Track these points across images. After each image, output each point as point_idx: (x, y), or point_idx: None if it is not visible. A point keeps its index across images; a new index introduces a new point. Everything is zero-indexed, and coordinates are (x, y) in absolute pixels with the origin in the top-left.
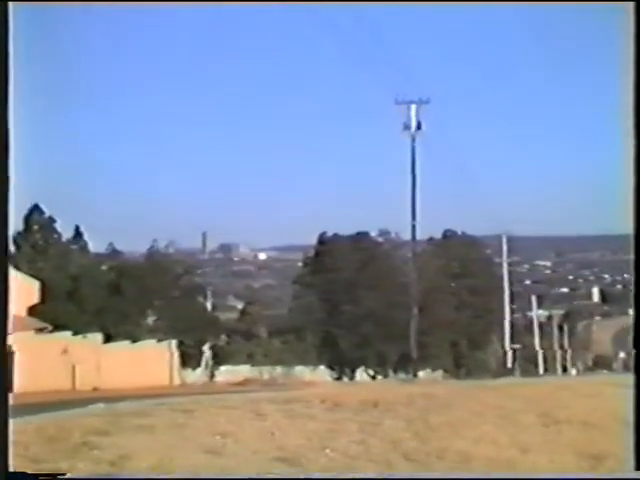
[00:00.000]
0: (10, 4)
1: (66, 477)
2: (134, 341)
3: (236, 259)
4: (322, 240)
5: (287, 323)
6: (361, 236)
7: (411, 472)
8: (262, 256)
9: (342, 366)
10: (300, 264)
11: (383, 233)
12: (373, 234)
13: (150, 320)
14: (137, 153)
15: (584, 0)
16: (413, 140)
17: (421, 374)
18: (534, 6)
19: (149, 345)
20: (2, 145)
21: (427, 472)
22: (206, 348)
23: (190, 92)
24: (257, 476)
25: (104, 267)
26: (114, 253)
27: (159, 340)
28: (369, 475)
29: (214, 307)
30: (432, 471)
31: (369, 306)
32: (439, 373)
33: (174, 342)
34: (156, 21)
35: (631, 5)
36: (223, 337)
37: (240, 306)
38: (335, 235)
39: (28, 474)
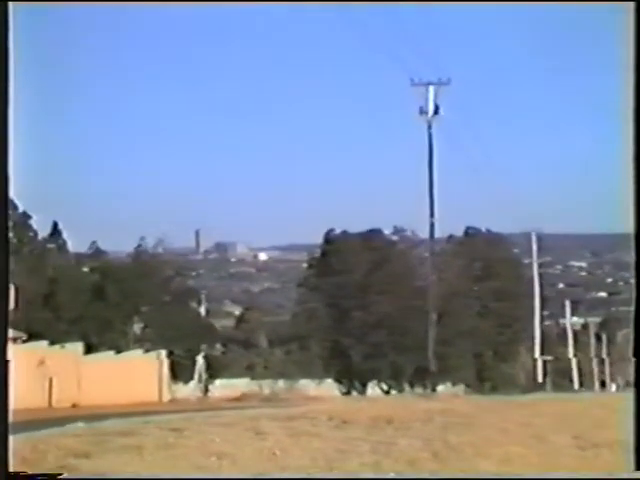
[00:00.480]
0: (10, 4)
1: (65, 477)
2: (119, 352)
3: (233, 260)
4: (329, 238)
5: (290, 331)
6: (373, 234)
7: (411, 472)
8: (262, 256)
9: (351, 379)
10: (304, 265)
11: (398, 230)
12: (386, 231)
13: (137, 328)
14: (127, 144)
15: (584, 0)
16: (430, 126)
17: (440, 389)
18: None
19: (136, 356)
20: (2, 145)
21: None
22: (199, 359)
23: (191, 80)
24: (257, 476)
25: (85, 268)
26: (97, 253)
27: (147, 350)
28: (369, 475)
29: (208, 313)
30: None
31: (382, 312)
32: (460, 388)
33: (164, 352)
34: (159, 11)
35: (631, 5)
36: (218, 347)
37: (238, 312)
38: (344, 233)
39: (27, 474)
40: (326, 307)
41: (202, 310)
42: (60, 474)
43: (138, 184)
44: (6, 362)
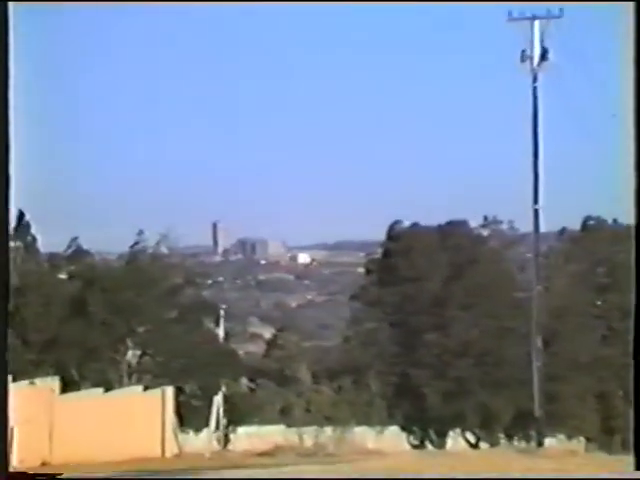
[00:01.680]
0: (10, 4)
1: (64, 477)
2: (108, 389)
3: (263, 262)
4: (394, 234)
5: (341, 361)
6: (454, 227)
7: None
8: (302, 258)
9: (425, 427)
10: (360, 270)
11: (489, 222)
12: (473, 223)
13: (132, 356)
14: (135, 118)
15: (585, 0)
16: (535, 78)
17: (550, 442)
18: None
19: (131, 395)
20: (2, 145)
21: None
22: (217, 399)
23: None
24: (257, 476)
25: (62, 275)
26: (78, 254)
27: (146, 387)
28: (370, 475)
29: (229, 336)
30: None
31: (466, 335)
32: (579, 441)
33: (169, 390)
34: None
35: (631, 5)
36: (243, 382)
37: (269, 334)
38: (414, 226)
39: (27, 474)
40: (390, 328)
41: (221, 332)
42: (60, 474)
43: (143, 167)
44: (6, 366)
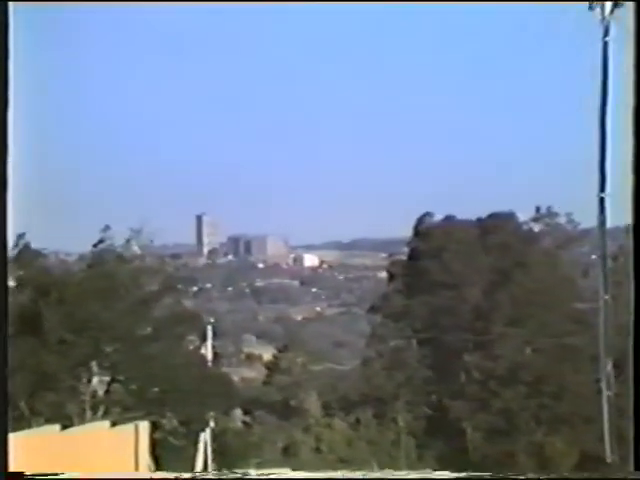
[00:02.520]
0: (10, 4)
1: (64, 477)
2: (66, 426)
3: (260, 265)
4: (423, 229)
5: (359, 388)
6: (499, 221)
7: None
8: (309, 260)
9: (466, 471)
10: (382, 275)
11: (542, 215)
12: (522, 217)
13: (98, 383)
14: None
15: (584, 0)
16: (607, 31)
17: None
18: None
19: (95, 432)
20: (2, 145)
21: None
22: (204, 436)
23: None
24: (258, 476)
25: (8, 281)
26: (26, 255)
27: (114, 423)
28: (372, 475)
29: (219, 357)
30: None
31: (516, 356)
32: None
33: (144, 425)
34: None
35: (631, 5)
36: (237, 415)
37: (268, 355)
38: (449, 220)
39: (27, 474)
40: (420, 347)
41: (208, 352)
42: (60, 474)
43: (120, 148)
44: (6, 362)
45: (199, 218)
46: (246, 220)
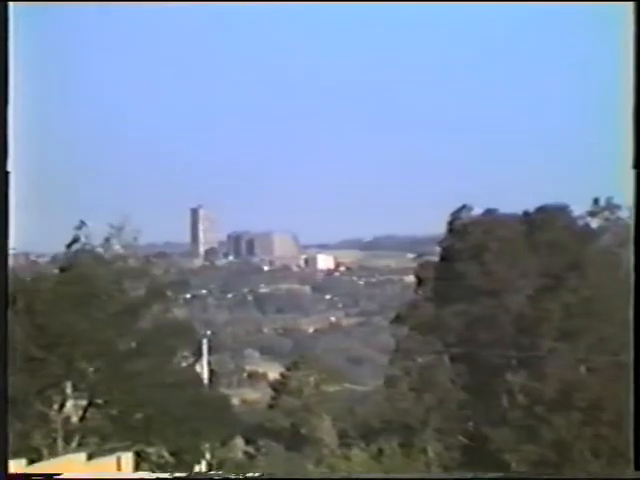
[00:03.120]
0: (10, 4)
1: (63, 477)
2: (33, 460)
3: (266, 267)
4: (459, 225)
5: (382, 413)
6: (550, 215)
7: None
8: (324, 261)
9: None
10: (409, 279)
11: (602, 209)
12: (577, 210)
13: (72, 408)
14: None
15: (584, 0)
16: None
17: None
18: None
19: (69, 465)
20: (2, 145)
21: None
22: (199, 470)
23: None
24: (257, 476)
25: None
26: None
27: (91, 455)
28: (370, 475)
29: (216, 376)
30: None
31: (567, 376)
32: None
33: (126, 457)
34: None
35: (631, 5)
36: (238, 444)
37: (275, 374)
38: (489, 214)
39: (26, 474)
40: (454, 364)
41: (204, 370)
42: (57, 474)
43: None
44: (5, 361)
45: (194, 212)
46: (250, 215)
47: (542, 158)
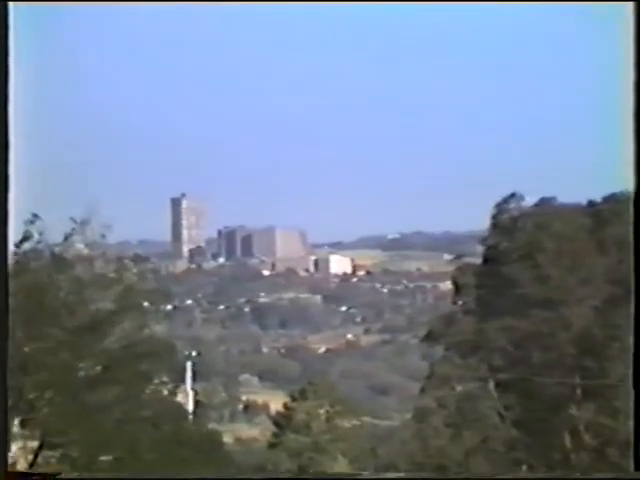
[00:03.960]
0: (10, 4)
1: (62, 477)
2: None
3: (266, 272)
4: (505, 219)
5: (410, 453)
6: (620, 205)
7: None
8: (339, 263)
9: None
10: (444, 285)
11: None
12: None
13: (18, 450)
14: None
15: (584, 0)
16: None
17: None
18: None
19: None
20: (2, 145)
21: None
22: None
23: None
24: (257, 476)
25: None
26: None
27: None
28: (371, 475)
29: (203, 406)
30: None
31: None
32: None
33: None
34: None
35: (631, 5)
36: None
37: (277, 403)
38: (544, 203)
39: (25, 473)
40: (501, 394)
41: (188, 399)
42: (58, 474)
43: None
44: (6, 362)
45: (176, 203)
46: (246, 206)
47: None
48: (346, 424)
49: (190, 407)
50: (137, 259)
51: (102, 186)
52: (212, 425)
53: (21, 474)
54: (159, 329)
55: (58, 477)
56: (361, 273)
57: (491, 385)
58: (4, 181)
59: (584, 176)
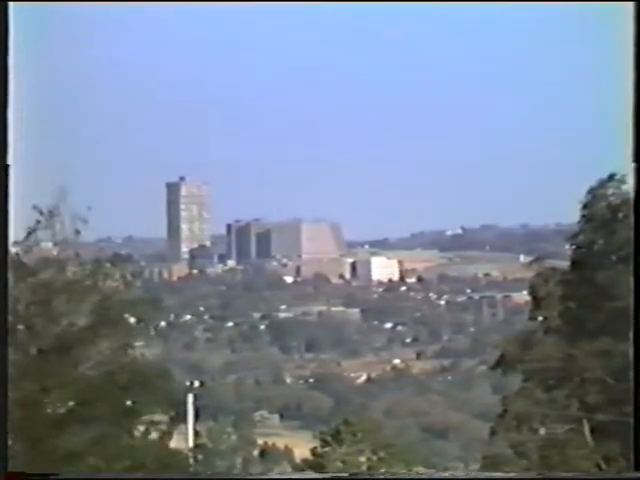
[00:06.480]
0: (10, 4)
1: (62, 477)
2: None
3: (289, 278)
4: (601, 209)
5: None
6: None
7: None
8: (382, 266)
9: None
10: (520, 296)
11: None
12: None
13: None
14: None
15: (584, 0)
16: None
17: None
18: None
19: None
20: (2, 145)
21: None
22: None
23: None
24: (259, 476)
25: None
26: None
27: None
28: (371, 475)
29: (208, 452)
30: None
31: None
32: None
33: None
34: None
35: (631, 5)
36: None
37: (303, 447)
38: None
39: (25, 473)
40: (598, 439)
41: (188, 441)
42: (55, 474)
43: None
44: (6, 361)
45: (173, 189)
46: (263, 195)
47: None
48: (393, 477)
49: (190, 453)
50: (120, 261)
51: (79, 171)
52: (220, 476)
53: (21, 474)
54: (149, 352)
55: (58, 477)
56: (411, 280)
57: (586, 428)
58: (4, 181)
59: None
